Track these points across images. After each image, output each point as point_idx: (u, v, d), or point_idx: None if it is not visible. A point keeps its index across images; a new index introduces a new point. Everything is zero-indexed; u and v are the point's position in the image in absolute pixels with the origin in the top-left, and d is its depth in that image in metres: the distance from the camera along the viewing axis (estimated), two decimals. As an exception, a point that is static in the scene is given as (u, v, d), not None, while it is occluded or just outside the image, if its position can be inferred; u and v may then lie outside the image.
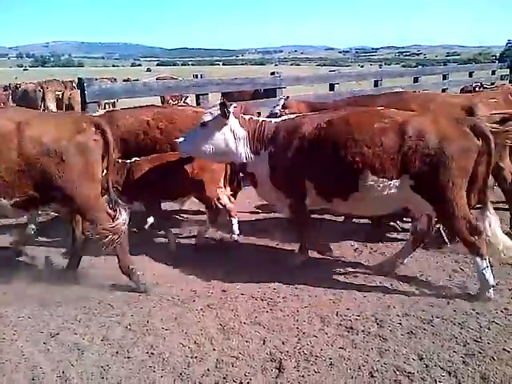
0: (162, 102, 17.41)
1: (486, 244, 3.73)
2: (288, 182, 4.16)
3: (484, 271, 3.73)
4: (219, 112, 4.12)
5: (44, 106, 15.99)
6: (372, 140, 3.80)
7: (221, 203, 4.87)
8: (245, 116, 4.37)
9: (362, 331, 3.41)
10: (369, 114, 4.02)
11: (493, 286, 3.78)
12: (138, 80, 17.32)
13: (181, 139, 4.31)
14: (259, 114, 5.74)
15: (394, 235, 5.19)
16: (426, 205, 3.86)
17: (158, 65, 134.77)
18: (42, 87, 16.46)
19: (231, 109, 4.15)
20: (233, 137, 4.19)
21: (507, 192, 5.13)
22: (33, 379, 3.01)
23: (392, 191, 3.86)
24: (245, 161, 4.27)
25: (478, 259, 3.75)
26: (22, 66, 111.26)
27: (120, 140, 5.10)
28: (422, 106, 4.74)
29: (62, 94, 16.76)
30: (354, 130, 3.89)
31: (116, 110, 5.74)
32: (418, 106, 4.71)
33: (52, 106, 16.25)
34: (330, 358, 3.12)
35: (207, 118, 4.20)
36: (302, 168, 4.07)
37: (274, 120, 4.36)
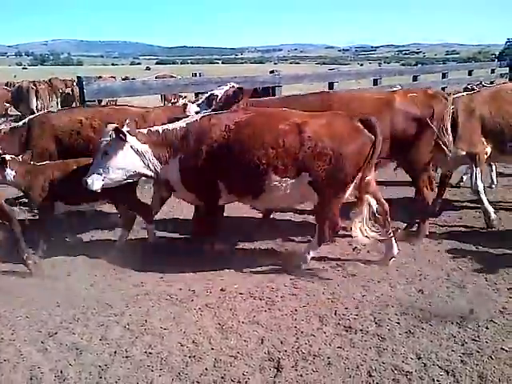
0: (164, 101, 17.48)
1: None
2: (200, 185, 4.24)
3: (311, 253, 4.37)
4: (115, 137, 4.12)
5: (39, 104, 16.11)
6: (275, 142, 3.99)
7: (137, 206, 4.83)
8: (142, 130, 4.35)
9: (361, 330, 3.41)
10: (272, 116, 4.19)
11: (306, 263, 4.36)
12: (134, 78, 17.37)
13: (86, 176, 4.22)
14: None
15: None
16: (314, 200, 4.18)
17: (157, 63, 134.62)
18: (34, 85, 16.57)
19: (125, 130, 4.16)
20: (136, 155, 4.21)
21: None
22: (31, 379, 3.00)
23: (294, 188, 4.11)
24: (155, 172, 4.30)
25: (316, 246, 4.34)
26: (21, 65, 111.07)
27: (55, 139, 5.17)
28: (345, 104, 4.86)
29: (72, 90, 16.95)
30: (258, 132, 4.05)
31: (52, 110, 5.90)
32: (341, 104, 4.83)
33: (41, 103, 16.38)
34: (329, 357, 3.12)
35: (105, 145, 4.19)
36: (214, 170, 4.15)
37: (179, 125, 4.31)
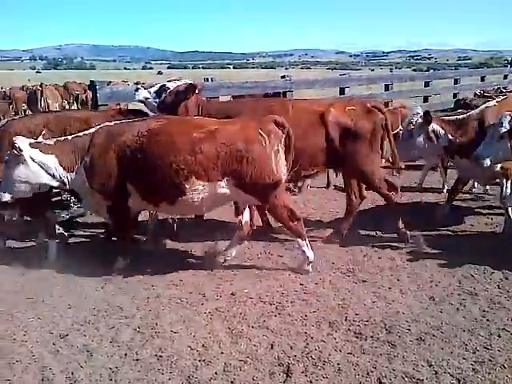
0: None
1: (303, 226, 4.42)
2: (108, 185, 4.22)
3: (304, 249, 4.39)
4: (13, 150, 4.13)
5: (44, 104, 16.60)
6: (192, 148, 4.06)
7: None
8: (48, 141, 4.35)
9: (371, 337, 3.40)
10: (185, 124, 4.31)
11: (311, 261, 4.40)
12: (144, 83, 17.71)
13: None
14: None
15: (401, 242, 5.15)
16: (251, 199, 4.34)
17: (168, 68, 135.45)
18: (41, 87, 17.19)
19: (22, 143, 4.15)
20: (38, 166, 4.20)
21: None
22: (42, 380, 3.03)
23: (218, 192, 4.20)
24: (61, 182, 4.29)
25: (300, 240, 4.39)
26: (35, 69, 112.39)
27: None
28: (284, 112, 4.91)
29: (86, 96, 17.39)
30: (171, 139, 4.11)
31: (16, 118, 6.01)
32: (280, 111, 4.86)
33: (52, 104, 16.85)
34: (338, 364, 3.11)
35: (7, 158, 4.22)
36: (124, 175, 4.17)
37: (90, 131, 4.33)
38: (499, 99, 5.81)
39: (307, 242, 4.43)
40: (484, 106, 5.45)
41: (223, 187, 4.19)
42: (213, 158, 4.10)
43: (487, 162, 4.61)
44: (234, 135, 4.16)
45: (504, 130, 4.53)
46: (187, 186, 4.11)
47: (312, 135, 4.81)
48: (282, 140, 4.26)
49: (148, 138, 4.12)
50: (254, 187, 4.19)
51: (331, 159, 4.95)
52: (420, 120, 5.28)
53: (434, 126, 5.24)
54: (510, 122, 4.53)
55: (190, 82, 5.16)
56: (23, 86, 21.66)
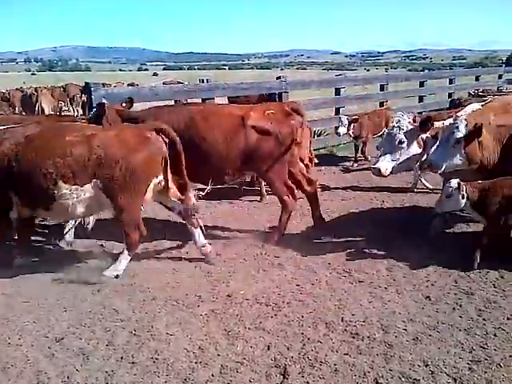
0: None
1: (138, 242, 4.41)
2: None
3: (125, 259, 4.37)
4: None
5: (39, 108, 16.73)
6: (62, 153, 4.10)
7: None
8: None
9: (368, 337, 3.40)
10: (61, 129, 4.39)
11: (117, 276, 4.33)
12: (138, 84, 17.75)
13: None
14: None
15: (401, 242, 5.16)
16: (110, 206, 4.30)
17: (164, 69, 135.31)
18: (36, 90, 17.33)
19: None
20: None
21: (308, 195, 5.45)
22: (38, 384, 3.02)
23: (87, 196, 4.20)
24: None
25: (127, 252, 4.37)
26: (29, 71, 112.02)
27: None
28: (205, 118, 5.04)
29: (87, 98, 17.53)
30: (47, 144, 4.18)
31: None
32: (201, 118, 5.01)
33: (46, 108, 17.01)
34: (335, 364, 3.11)
35: None
36: (5, 182, 4.18)
37: None
38: (484, 102, 5.67)
39: (129, 258, 4.42)
40: (469, 108, 5.21)
41: (91, 193, 4.19)
42: (83, 162, 4.11)
43: (441, 168, 4.47)
44: (109, 141, 4.18)
45: (460, 134, 4.34)
46: (56, 191, 4.13)
47: (232, 139, 4.86)
48: (164, 148, 4.31)
49: (24, 145, 4.17)
50: (119, 195, 4.19)
51: (249, 163, 4.99)
52: (410, 126, 4.93)
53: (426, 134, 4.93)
54: (466, 126, 4.34)
55: (102, 102, 5.30)
56: (18, 89, 21.70)
